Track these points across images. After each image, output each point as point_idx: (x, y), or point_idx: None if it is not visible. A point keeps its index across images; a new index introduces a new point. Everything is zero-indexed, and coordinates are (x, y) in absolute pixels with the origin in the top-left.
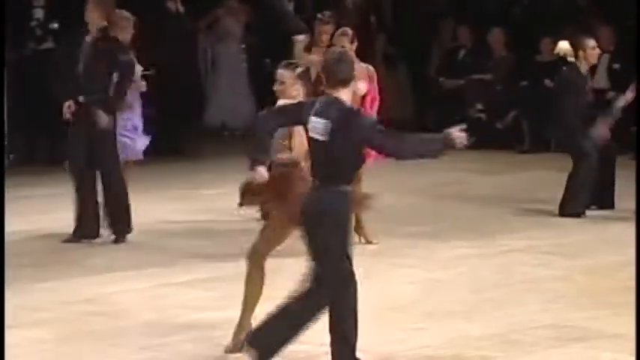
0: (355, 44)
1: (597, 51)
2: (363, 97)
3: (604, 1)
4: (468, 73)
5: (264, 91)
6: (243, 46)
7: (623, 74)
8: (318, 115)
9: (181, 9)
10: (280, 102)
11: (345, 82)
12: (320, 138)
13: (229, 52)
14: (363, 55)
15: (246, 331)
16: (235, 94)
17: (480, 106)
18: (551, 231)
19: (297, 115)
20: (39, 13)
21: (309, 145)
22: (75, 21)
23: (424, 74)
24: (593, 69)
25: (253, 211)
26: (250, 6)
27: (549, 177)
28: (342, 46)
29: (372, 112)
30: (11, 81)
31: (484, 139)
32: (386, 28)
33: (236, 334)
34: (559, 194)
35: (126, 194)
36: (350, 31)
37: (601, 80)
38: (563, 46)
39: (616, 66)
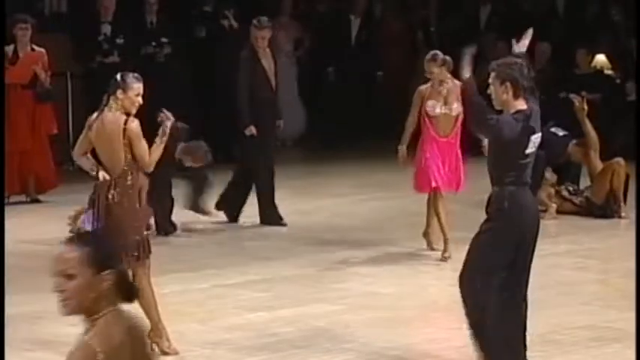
0: (445, 67)
1: None
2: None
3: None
4: None
5: (316, 101)
6: (295, 58)
7: None
8: None
9: (235, 25)
10: None
11: None
12: None
13: (281, 65)
14: (410, 70)
15: None
16: (287, 106)
17: None
18: (588, 235)
19: None
20: (106, 29)
21: None
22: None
23: None
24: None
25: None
26: (301, 21)
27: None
28: (432, 72)
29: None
30: (78, 91)
31: None
32: (432, 44)
33: None
34: None
35: None
36: (440, 56)
37: (632, 92)
38: (600, 59)
39: None
